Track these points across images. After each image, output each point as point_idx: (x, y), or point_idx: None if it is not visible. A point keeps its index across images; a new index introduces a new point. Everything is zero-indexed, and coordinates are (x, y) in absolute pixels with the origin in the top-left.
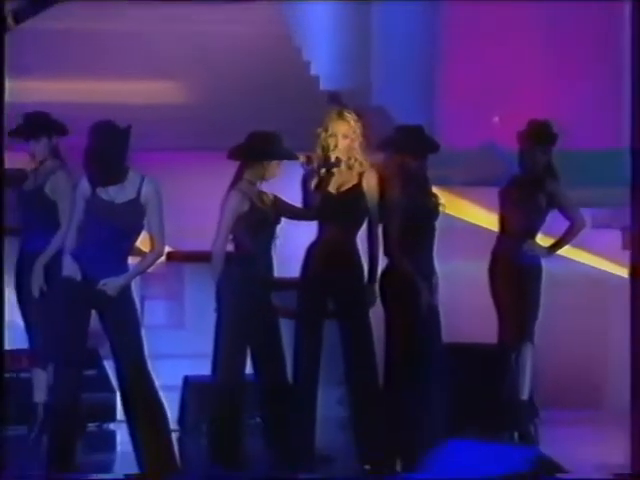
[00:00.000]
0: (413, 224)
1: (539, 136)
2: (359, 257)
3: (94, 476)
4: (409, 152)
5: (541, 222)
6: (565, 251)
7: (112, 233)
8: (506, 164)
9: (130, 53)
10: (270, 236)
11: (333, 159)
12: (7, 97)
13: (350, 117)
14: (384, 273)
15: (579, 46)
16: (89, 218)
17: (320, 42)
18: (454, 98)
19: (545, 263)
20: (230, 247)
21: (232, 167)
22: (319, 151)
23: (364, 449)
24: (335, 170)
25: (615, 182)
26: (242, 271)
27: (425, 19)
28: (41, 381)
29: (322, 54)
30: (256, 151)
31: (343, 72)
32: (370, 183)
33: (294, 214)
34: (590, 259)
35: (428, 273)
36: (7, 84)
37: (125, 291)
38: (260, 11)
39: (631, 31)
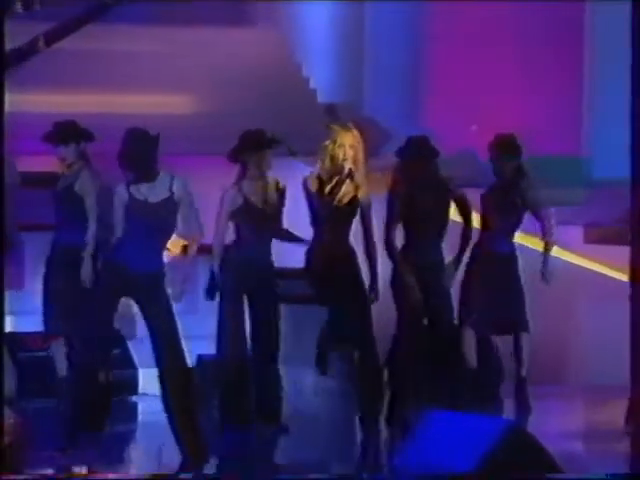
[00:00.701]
0: (417, 222)
1: (505, 148)
2: (356, 255)
3: (100, 476)
4: (410, 159)
5: (518, 221)
6: (533, 245)
7: (150, 230)
8: (482, 168)
9: (151, 70)
10: (264, 229)
11: (346, 170)
12: (39, 108)
13: (354, 130)
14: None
15: (549, 58)
16: (128, 219)
17: (318, 60)
18: (437, 110)
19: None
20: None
21: (233, 171)
22: (327, 162)
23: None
24: (344, 179)
25: (576, 184)
26: (239, 259)
27: (412, 39)
28: (63, 359)
29: (320, 71)
30: (248, 146)
31: (338, 86)
32: (365, 193)
33: (279, 234)
34: (555, 252)
35: (436, 263)
36: (41, 97)
37: (160, 284)
38: (266, 34)
39: (631, 31)
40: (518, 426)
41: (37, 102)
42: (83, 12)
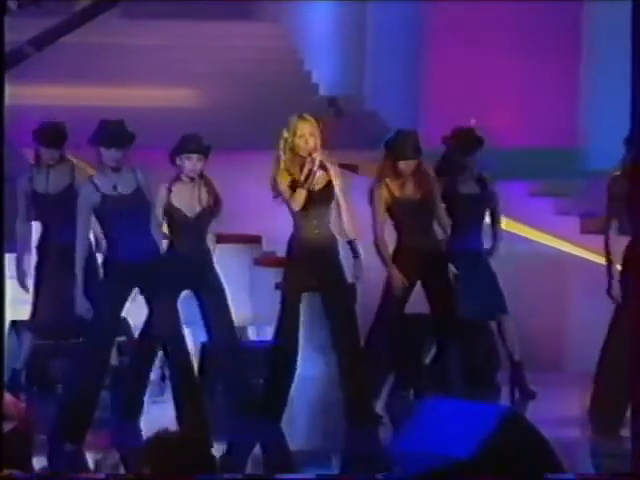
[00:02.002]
0: (404, 213)
1: (468, 141)
2: (337, 241)
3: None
4: (396, 154)
5: (482, 214)
6: (531, 235)
7: (133, 219)
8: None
9: (154, 64)
10: (186, 232)
11: (317, 163)
12: (42, 102)
13: (311, 119)
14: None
15: (546, 53)
16: (108, 214)
17: (320, 54)
18: (437, 104)
19: (515, 247)
20: None
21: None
22: (289, 154)
23: (352, 404)
24: (316, 171)
25: (573, 175)
26: (170, 258)
27: (412, 35)
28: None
29: (322, 65)
30: (176, 150)
31: (340, 80)
32: (337, 177)
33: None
34: (553, 241)
35: (428, 252)
36: (45, 90)
37: (161, 271)
38: (269, 28)
39: (631, 31)
40: (516, 413)
41: (40, 95)
42: (89, 7)
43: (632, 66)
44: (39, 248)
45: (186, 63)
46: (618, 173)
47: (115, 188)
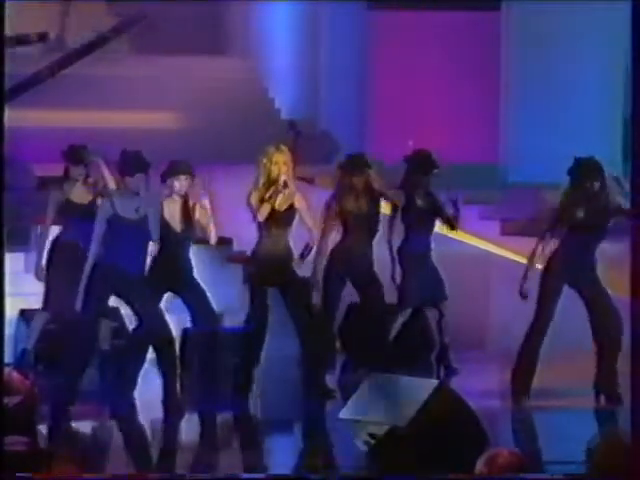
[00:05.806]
0: (353, 223)
1: (425, 162)
2: (292, 252)
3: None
4: (348, 172)
5: (432, 224)
6: (460, 236)
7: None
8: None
9: (140, 92)
10: (176, 243)
11: (282, 183)
12: (48, 124)
13: (286, 150)
14: None
15: (469, 80)
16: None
17: (281, 83)
18: (381, 127)
19: (448, 246)
20: None
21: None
22: (265, 177)
23: (309, 380)
24: (281, 190)
25: (494, 187)
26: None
27: (360, 67)
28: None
29: (283, 92)
30: (165, 173)
31: (298, 105)
32: (300, 200)
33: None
34: (478, 242)
35: (361, 254)
36: (53, 115)
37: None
38: (238, 62)
39: (631, 31)
40: (447, 386)
41: (47, 119)
42: (86, 44)
43: (632, 66)
44: (51, 248)
45: (170, 92)
46: (566, 189)
47: (127, 210)
